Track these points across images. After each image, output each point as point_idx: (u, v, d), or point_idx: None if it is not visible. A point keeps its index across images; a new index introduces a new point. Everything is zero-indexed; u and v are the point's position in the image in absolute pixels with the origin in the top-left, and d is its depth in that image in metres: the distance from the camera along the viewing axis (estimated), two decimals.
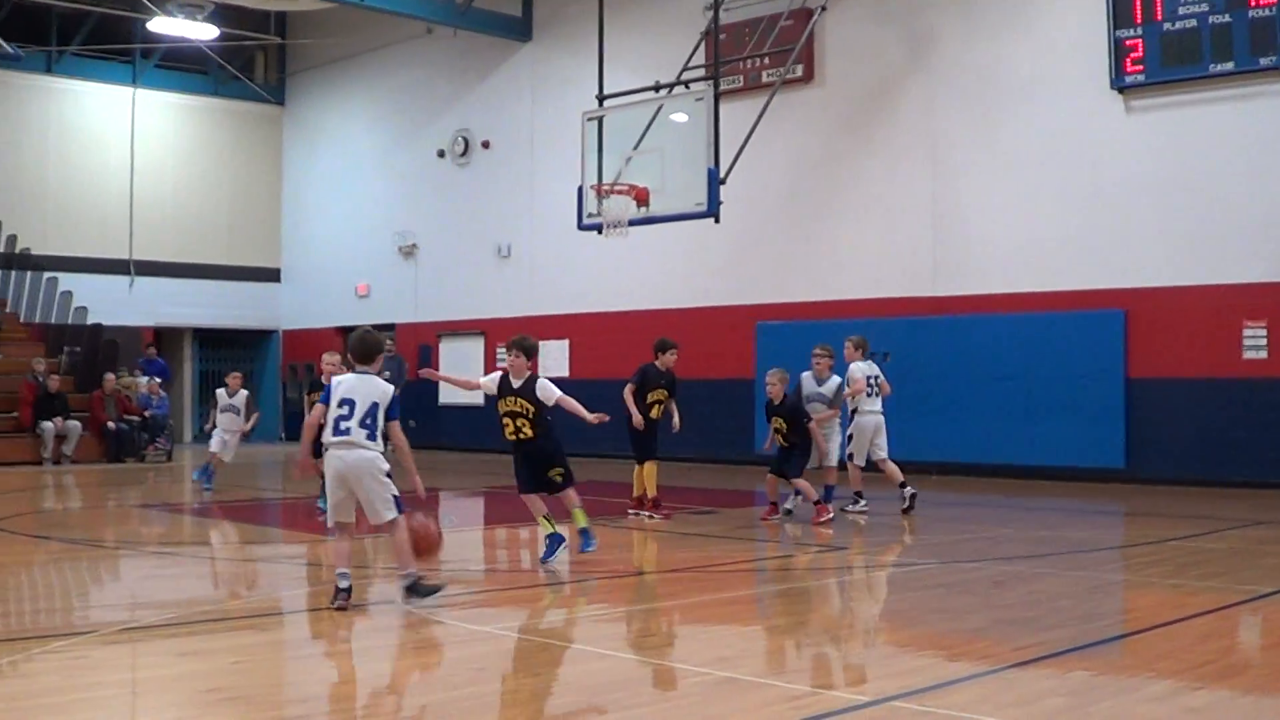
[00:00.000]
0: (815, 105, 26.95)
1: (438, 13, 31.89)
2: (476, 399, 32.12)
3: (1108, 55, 22.94)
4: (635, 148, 23.41)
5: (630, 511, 17.34)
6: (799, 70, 26.52)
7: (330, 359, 17.55)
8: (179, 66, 37.96)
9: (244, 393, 22.02)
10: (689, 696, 8.00)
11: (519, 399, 13.29)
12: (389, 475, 10.68)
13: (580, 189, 24.07)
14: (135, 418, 29.85)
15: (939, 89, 25.41)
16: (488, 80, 33.58)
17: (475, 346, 32.87)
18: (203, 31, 33.15)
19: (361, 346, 11.01)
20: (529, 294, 31.95)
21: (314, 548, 14.99)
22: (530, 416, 13.29)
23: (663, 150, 23.17)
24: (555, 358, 31.01)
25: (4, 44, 29.25)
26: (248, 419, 21.94)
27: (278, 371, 39.17)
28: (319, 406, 10.72)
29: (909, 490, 17.78)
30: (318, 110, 38.80)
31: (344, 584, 10.51)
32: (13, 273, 34.73)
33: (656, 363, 17.42)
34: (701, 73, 24.44)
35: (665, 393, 17.35)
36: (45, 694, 8.04)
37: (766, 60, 26.83)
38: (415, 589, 10.70)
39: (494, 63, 33.30)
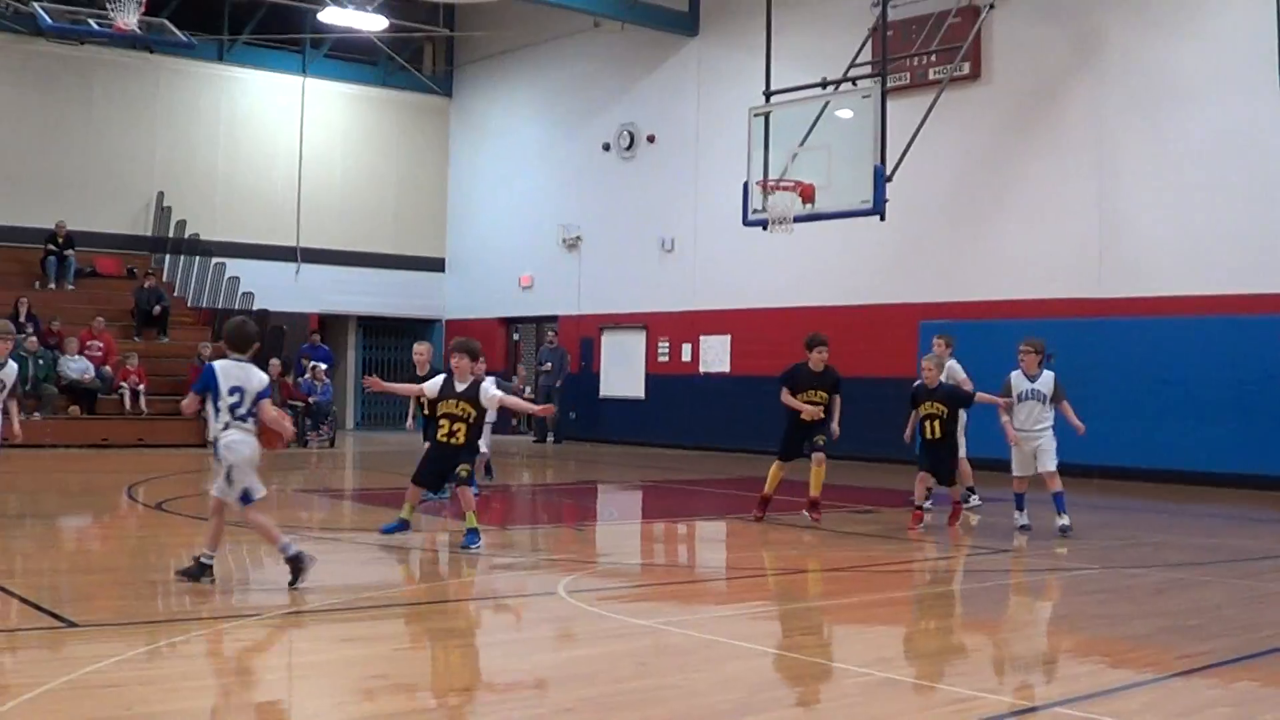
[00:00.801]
0: (981, 103, 26.73)
1: (605, 6, 32.03)
2: (638, 391, 32.38)
3: (1278, 55, 22.52)
4: (801, 144, 23.37)
5: (804, 512, 16.82)
6: (965, 68, 26.30)
7: (420, 348, 18.69)
8: (348, 57, 38.49)
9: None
10: (849, 697, 8.00)
11: (461, 402, 13.37)
12: None
13: (746, 184, 24.06)
14: (299, 403, 30.22)
15: (1106, 88, 25.09)
16: (654, 74, 33.66)
17: (637, 340, 32.98)
18: (372, 22, 33.52)
19: (240, 336, 11.26)
20: (691, 288, 31.99)
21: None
22: (469, 421, 13.41)
23: (829, 147, 23.11)
24: (716, 353, 31.04)
25: (177, 32, 29.74)
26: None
27: (441, 361, 39.42)
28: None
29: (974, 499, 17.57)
30: (484, 102, 39.11)
31: (208, 562, 11.18)
32: (181, 257, 35.43)
33: (809, 361, 16.40)
34: (868, 69, 24.33)
35: (823, 394, 16.29)
36: (208, 675, 8.25)
37: (933, 58, 26.63)
38: (203, 569, 11.18)
39: (660, 57, 33.37)
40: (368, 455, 29.13)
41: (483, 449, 19.41)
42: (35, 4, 28.68)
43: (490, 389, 13.45)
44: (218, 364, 11.00)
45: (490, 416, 16.22)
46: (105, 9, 27.65)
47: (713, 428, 30.29)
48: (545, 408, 14.18)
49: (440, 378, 13.69)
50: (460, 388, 13.41)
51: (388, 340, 39.26)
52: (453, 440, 13.43)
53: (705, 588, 12.53)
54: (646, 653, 9.09)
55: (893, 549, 14.90)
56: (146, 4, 27.78)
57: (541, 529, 15.29)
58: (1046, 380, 16.18)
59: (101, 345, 29.68)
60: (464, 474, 13.53)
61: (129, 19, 27.51)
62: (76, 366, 28.68)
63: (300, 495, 19.97)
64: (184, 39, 29.99)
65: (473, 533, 13.52)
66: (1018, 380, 16.22)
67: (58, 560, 13.65)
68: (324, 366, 32.44)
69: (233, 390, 10.76)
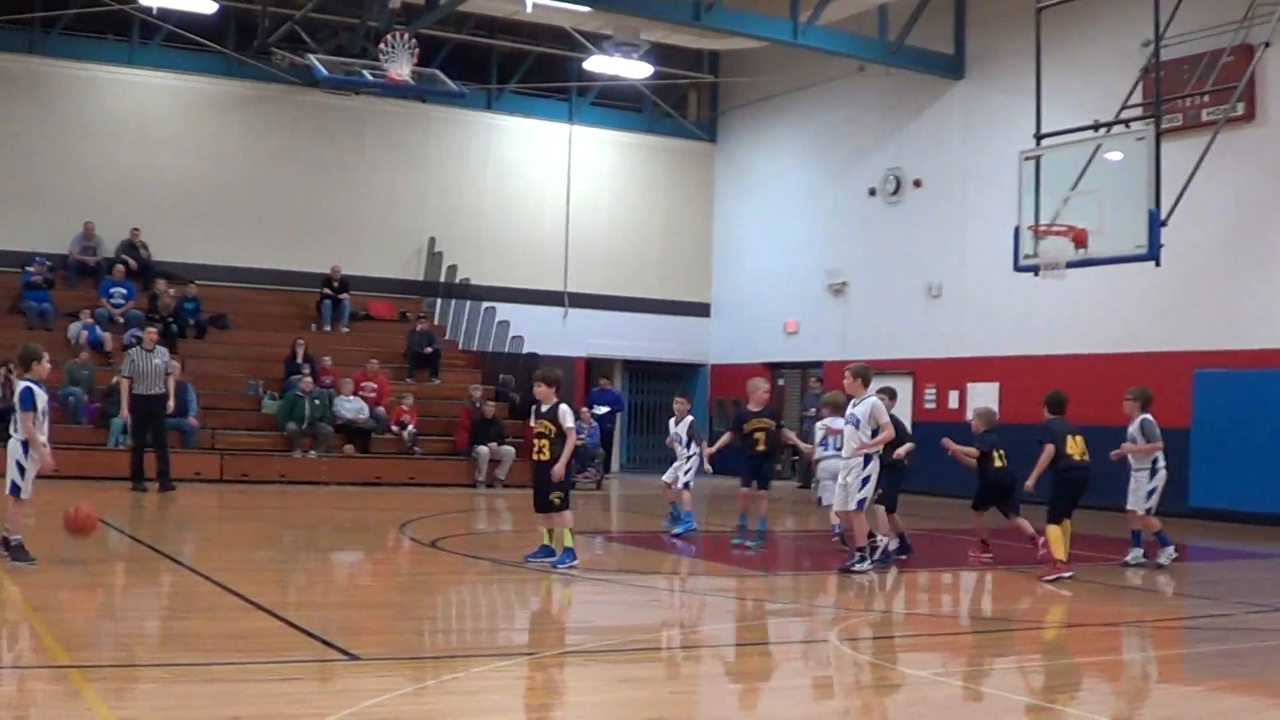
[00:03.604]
0: (1257, 145, 25.97)
1: (870, 51, 31.91)
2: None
3: None
4: (1073, 188, 22.95)
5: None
6: (1240, 108, 25.65)
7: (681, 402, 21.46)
8: (614, 104, 38.92)
9: (689, 419, 21.52)
10: None
11: (544, 421, 15.05)
12: None
13: (1016, 229, 23.69)
14: None
15: None
16: (919, 118, 33.41)
17: (903, 387, 32.58)
18: (638, 70, 33.88)
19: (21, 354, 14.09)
20: (959, 334, 31.60)
21: (741, 581, 15.14)
22: (550, 437, 14.93)
23: (1101, 190, 22.67)
24: (984, 400, 30.59)
25: (449, 82, 30.35)
26: (692, 443, 20.95)
27: (706, 405, 39.62)
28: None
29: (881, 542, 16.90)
30: (749, 147, 39.21)
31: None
32: (453, 302, 36.09)
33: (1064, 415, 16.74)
34: (1139, 111, 23.85)
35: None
36: (489, 712, 8.33)
37: (1206, 98, 25.99)
38: (16, 551, 13.37)
39: (926, 101, 33.13)
40: (632, 498, 29.30)
41: (681, 483, 20.64)
42: (310, 56, 29.49)
43: (567, 414, 15.02)
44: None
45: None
46: (378, 60, 28.33)
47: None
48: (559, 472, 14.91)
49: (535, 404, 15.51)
50: (544, 409, 15.06)
51: (654, 385, 39.49)
52: (540, 456, 15.05)
53: (975, 639, 12.34)
54: (921, 703, 8.98)
55: (1161, 603, 14.52)
56: (418, 55, 28.39)
57: (805, 575, 15.24)
58: (1136, 425, 17.35)
59: (375, 386, 30.33)
60: (556, 500, 15.02)
61: (402, 70, 28.16)
62: (351, 406, 29.36)
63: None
64: (455, 88, 30.58)
65: (569, 551, 14.97)
66: None
67: (331, 594, 13.98)
68: (605, 410, 32.75)
69: None
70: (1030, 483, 16.49)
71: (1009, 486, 17.67)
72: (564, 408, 15.01)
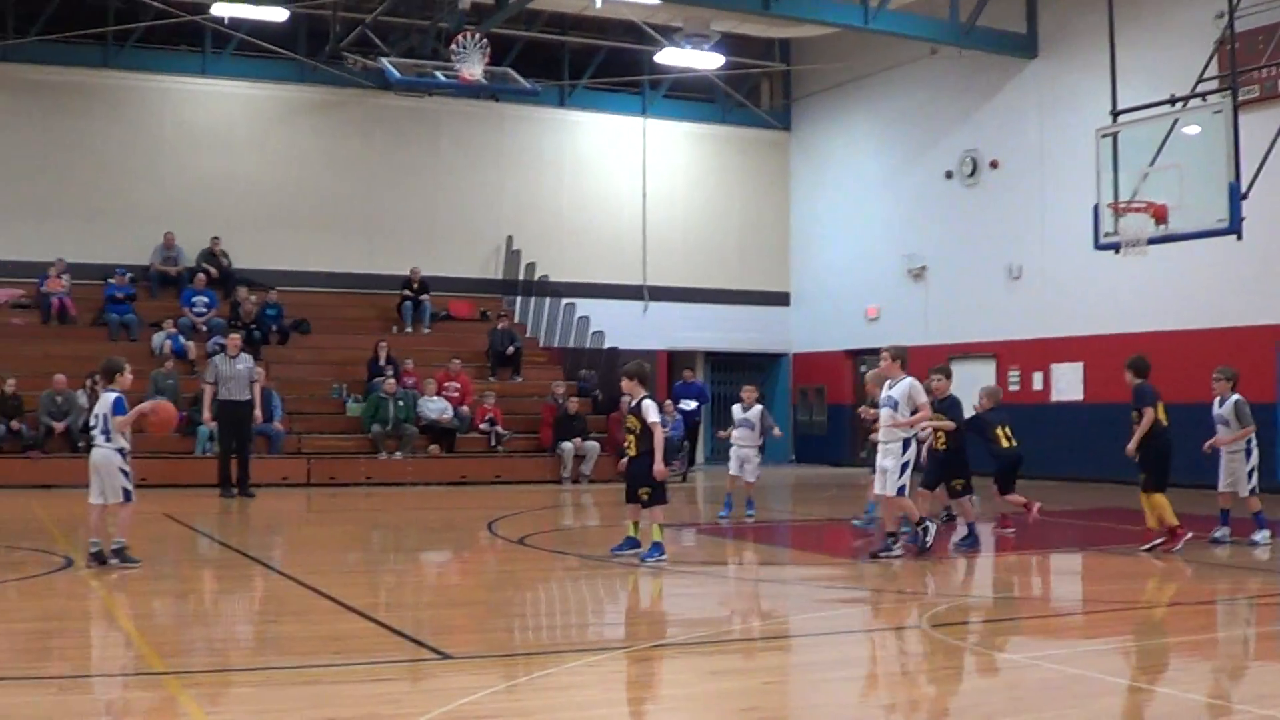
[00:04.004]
0: None
1: (942, 33, 31.73)
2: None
3: None
4: (1151, 163, 22.73)
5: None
6: None
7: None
8: (687, 95, 38.87)
9: (758, 407, 21.74)
10: None
11: (630, 415, 15.16)
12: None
13: (1095, 207, 23.50)
14: None
15: None
16: (994, 99, 33.20)
17: (986, 370, 32.45)
18: (709, 61, 33.83)
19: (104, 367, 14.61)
20: (1041, 315, 31.37)
21: (829, 569, 15.09)
22: (636, 433, 14.95)
23: (1179, 165, 22.44)
24: (1069, 380, 30.41)
25: (521, 80, 30.41)
26: (762, 435, 21.37)
27: (788, 394, 39.56)
28: None
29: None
30: (823, 134, 39.10)
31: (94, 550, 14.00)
32: (532, 299, 36.21)
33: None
34: (1215, 84, 23.59)
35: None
36: (584, 707, 8.35)
37: None
38: (121, 554, 13.92)
39: (1000, 81, 32.91)
40: (719, 489, 29.26)
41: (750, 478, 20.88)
42: (383, 60, 29.61)
43: (651, 410, 14.95)
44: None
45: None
46: (450, 61, 28.40)
47: (1067, 457, 29.55)
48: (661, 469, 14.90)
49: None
50: (632, 404, 15.23)
51: (735, 375, 39.30)
52: (628, 450, 15.21)
53: (1068, 621, 12.26)
54: (1017, 687, 8.93)
55: (1261, 581, 14.38)
56: (490, 54, 28.45)
57: (896, 561, 15.15)
58: (1229, 406, 17.09)
59: (458, 386, 30.45)
60: (644, 497, 14.98)
61: (474, 70, 28.21)
62: (435, 407, 29.48)
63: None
64: (528, 86, 30.63)
65: (657, 546, 14.87)
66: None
67: (421, 593, 14.05)
68: (693, 405, 32.78)
69: None
70: (1132, 447, 16.39)
71: (1016, 464, 17.76)
72: (647, 402, 14.97)
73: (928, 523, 15.89)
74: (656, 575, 14.19)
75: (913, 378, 15.28)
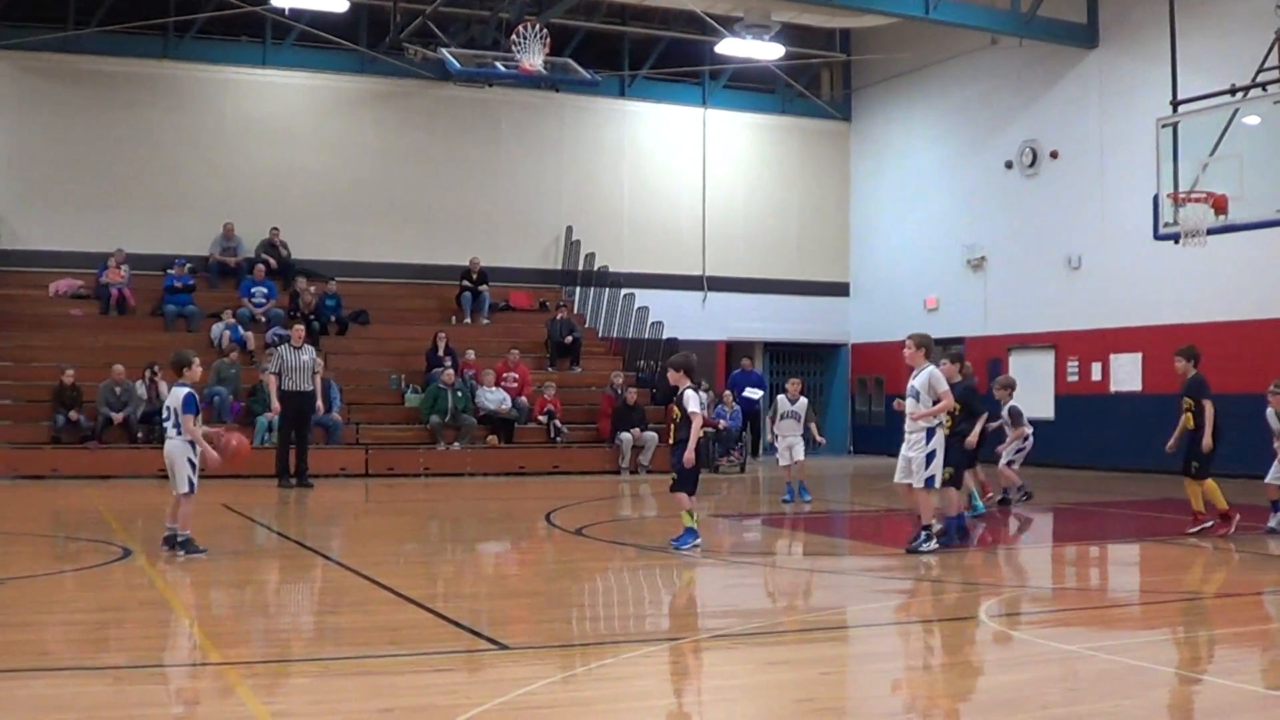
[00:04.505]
0: None
1: (1002, 23, 31.61)
2: (1047, 412, 31.75)
3: None
4: (1211, 153, 22.62)
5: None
6: None
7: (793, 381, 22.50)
8: (747, 86, 38.81)
9: (804, 400, 22.20)
10: None
11: (673, 404, 15.39)
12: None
13: (1156, 197, 23.40)
14: (710, 429, 30.42)
15: None
16: (1054, 89, 33.04)
17: (1045, 360, 32.33)
18: (770, 51, 33.76)
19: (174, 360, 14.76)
20: (1100, 306, 31.20)
21: (885, 560, 15.07)
22: (677, 422, 15.14)
23: (1240, 155, 22.32)
24: (1128, 371, 30.24)
25: (581, 70, 30.40)
26: (807, 426, 22.09)
27: (847, 384, 39.51)
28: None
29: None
30: (883, 125, 39.01)
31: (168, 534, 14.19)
32: (592, 289, 36.27)
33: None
34: (1276, 74, 23.42)
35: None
36: (639, 698, 8.36)
37: None
38: (187, 545, 14.04)
39: (1060, 71, 32.74)
40: (776, 480, 29.27)
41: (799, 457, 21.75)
42: (443, 51, 29.67)
43: (692, 400, 15.05)
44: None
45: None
46: (510, 52, 28.44)
47: (1125, 448, 29.41)
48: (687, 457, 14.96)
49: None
50: (676, 395, 15.33)
51: (795, 366, 39.26)
52: (672, 440, 15.36)
53: (1126, 612, 12.20)
54: (1074, 678, 8.91)
55: None
56: (550, 45, 28.47)
57: (953, 552, 15.12)
58: None
59: (517, 376, 30.51)
60: (671, 482, 15.33)
61: (534, 60, 28.22)
62: (494, 397, 29.55)
63: (715, 520, 20.16)
64: (589, 77, 30.63)
65: (689, 532, 15.08)
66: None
67: (479, 584, 14.10)
68: (759, 394, 32.86)
69: None
70: (1208, 440, 16.35)
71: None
72: (689, 392, 15.07)
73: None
74: (715, 566, 14.21)
75: (934, 366, 15.12)
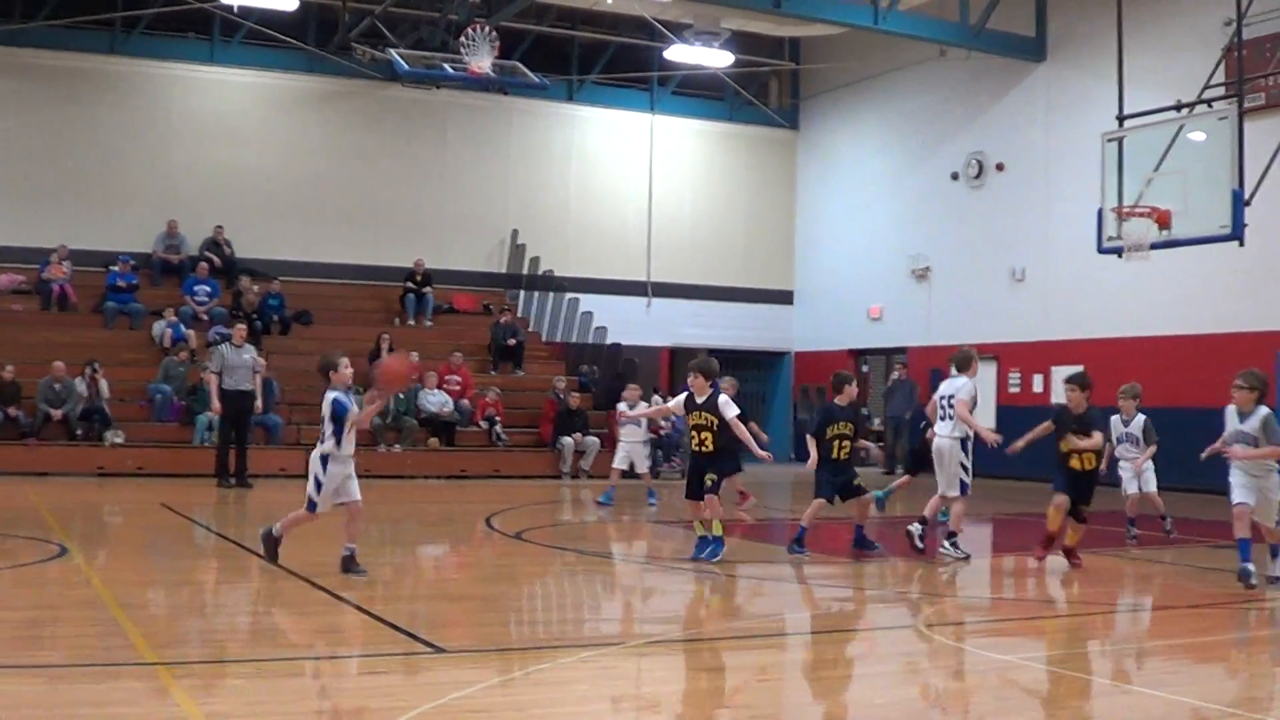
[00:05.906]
0: None
1: (950, 35, 31.75)
2: (988, 423, 31.82)
3: None
4: (1156, 169, 22.76)
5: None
6: None
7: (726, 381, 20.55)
8: (695, 93, 38.88)
9: (643, 404, 22.69)
10: None
11: (703, 412, 14.74)
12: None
13: (1100, 211, 23.52)
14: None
15: None
16: (1001, 102, 33.21)
17: (988, 371, 32.41)
18: (718, 58, 33.84)
19: (320, 365, 13.63)
20: (1043, 318, 31.38)
21: (826, 568, 15.08)
22: (714, 429, 14.68)
23: (1184, 171, 22.47)
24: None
25: (530, 74, 30.41)
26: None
27: (789, 393, 39.60)
28: None
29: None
30: (830, 134, 39.11)
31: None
32: (536, 293, 36.21)
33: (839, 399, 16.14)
34: (1222, 90, 23.59)
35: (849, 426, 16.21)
36: (581, 701, 8.39)
37: None
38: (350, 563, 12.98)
39: (1007, 84, 32.91)
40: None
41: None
42: (391, 51, 29.63)
43: (729, 404, 14.79)
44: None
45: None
46: (459, 54, 28.40)
47: None
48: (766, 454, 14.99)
49: (683, 395, 15.08)
50: (700, 400, 14.77)
51: (739, 373, 39.13)
52: (703, 449, 14.78)
53: (1062, 623, 12.26)
54: (1006, 688, 8.94)
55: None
56: (499, 48, 28.43)
57: (891, 562, 15.19)
58: (1256, 420, 14.02)
59: (460, 379, 30.43)
60: (709, 482, 14.75)
61: (483, 63, 28.20)
62: (435, 400, 29.46)
63: (656, 526, 20.16)
64: (536, 80, 30.62)
65: (717, 541, 14.77)
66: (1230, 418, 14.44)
67: (417, 587, 14.05)
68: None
69: None
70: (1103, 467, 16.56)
71: None
72: (724, 398, 14.87)
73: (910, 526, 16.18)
74: (664, 571, 14.20)
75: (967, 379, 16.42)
